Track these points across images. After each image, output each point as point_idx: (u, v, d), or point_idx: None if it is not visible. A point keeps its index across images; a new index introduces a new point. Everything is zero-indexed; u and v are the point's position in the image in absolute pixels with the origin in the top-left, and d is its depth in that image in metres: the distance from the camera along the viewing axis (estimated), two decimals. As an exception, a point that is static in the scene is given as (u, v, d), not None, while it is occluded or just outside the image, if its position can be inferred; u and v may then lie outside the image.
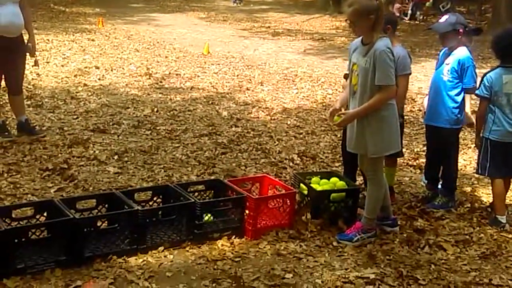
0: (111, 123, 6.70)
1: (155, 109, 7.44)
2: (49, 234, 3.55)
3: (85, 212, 3.91)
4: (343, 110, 4.05)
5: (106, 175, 5.11)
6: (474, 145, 5.36)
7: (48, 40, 12.07)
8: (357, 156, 4.26)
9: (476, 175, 5.31)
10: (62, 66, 9.82)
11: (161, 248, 3.75)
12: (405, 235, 4.20)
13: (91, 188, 4.79)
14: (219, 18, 19.46)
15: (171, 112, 7.38)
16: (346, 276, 3.57)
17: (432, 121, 4.79)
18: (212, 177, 5.02)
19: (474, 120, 4.80)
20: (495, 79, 4.41)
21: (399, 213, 4.58)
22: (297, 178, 4.61)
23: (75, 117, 6.90)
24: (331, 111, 4.07)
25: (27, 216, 3.80)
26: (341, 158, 5.71)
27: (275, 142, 6.39)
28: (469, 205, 4.86)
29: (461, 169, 5.43)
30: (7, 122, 6.19)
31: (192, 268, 3.58)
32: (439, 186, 4.93)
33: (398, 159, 4.97)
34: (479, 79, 4.58)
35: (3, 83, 5.87)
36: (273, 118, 7.49)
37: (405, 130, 7.04)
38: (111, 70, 9.75)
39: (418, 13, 21.19)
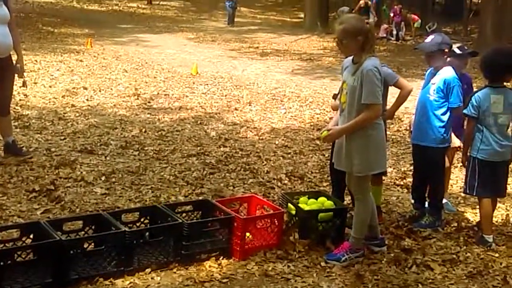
0: (98, 144, 6.69)
1: (143, 130, 7.44)
2: (35, 256, 3.50)
3: (72, 234, 3.87)
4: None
5: (93, 196, 5.08)
6: (460, 164, 5.40)
7: (36, 61, 12.07)
8: (345, 176, 4.29)
9: (463, 194, 5.35)
10: (50, 87, 9.81)
11: (148, 270, 3.72)
12: (392, 254, 4.20)
13: (78, 209, 4.76)
14: (207, 38, 19.58)
15: (159, 133, 7.38)
16: (334, 296, 3.57)
17: (419, 140, 4.83)
18: (200, 198, 5.01)
19: (459, 144, 4.86)
20: (483, 99, 4.46)
21: (386, 233, 4.59)
22: (285, 198, 4.61)
23: (62, 138, 6.88)
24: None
25: (13, 238, 3.77)
26: (329, 178, 5.72)
27: (263, 162, 6.40)
28: (456, 224, 4.88)
29: (448, 188, 5.45)
30: (-6, 143, 6.16)
31: (180, 290, 3.57)
32: (426, 206, 4.95)
33: (384, 178, 4.99)
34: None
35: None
36: (261, 138, 7.52)
37: (392, 149, 7.14)
38: (99, 91, 9.76)
39: (399, 33, 21.51)
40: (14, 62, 5.88)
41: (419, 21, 22.23)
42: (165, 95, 9.84)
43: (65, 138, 6.86)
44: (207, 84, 11.02)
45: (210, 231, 4.07)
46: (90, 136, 7.01)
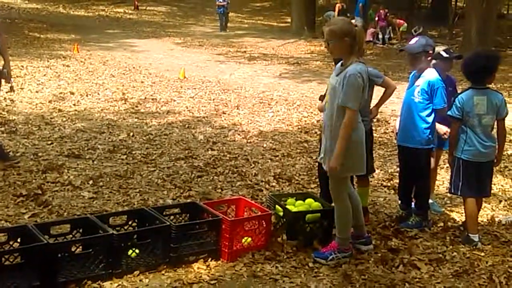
0: (86, 148, 6.67)
1: (131, 134, 7.43)
2: (22, 259, 3.50)
3: (60, 237, 3.87)
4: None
5: (81, 200, 5.07)
6: (447, 165, 5.46)
7: (22, 66, 12.02)
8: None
9: (449, 195, 5.41)
10: (37, 92, 9.78)
11: (136, 272, 3.72)
12: (379, 254, 4.24)
13: (65, 213, 4.76)
14: (195, 43, 19.59)
15: (147, 137, 7.38)
16: (322, 296, 3.59)
17: (404, 141, 4.87)
18: (188, 200, 5.02)
19: (446, 129, 4.87)
20: (466, 100, 4.52)
21: (373, 233, 4.63)
22: (272, 199, 4.63)
23: (49, 142, 6.86)
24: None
25: (0, 242, 3.75)
26: (316, 180, 5.76)
27: (251, 165, 6.42)
28: (442, 224, 4.93)
29: (434, 189, 5.51)
30: (-20, 149, 6.12)
31: (168, 292, 3.57)
32: (413, 206, 4.99)
33: (371, 179, 5.03)
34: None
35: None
36: (249, 141, 7.54)
37: (379, 151, 7.19)
38: (86, 96, 9.73)
39: (385, 37, 21.69)
40: (0, 67, 5.86)
41: (405, 24, 22.40)
42: (152, 99, 9.84)
43: (52, 143, 6.84)
44: (195, 88, 11.04)
45: (198, 233, 4.09)
46: (77, 141, 7.00)
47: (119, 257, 3.70)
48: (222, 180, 5.87)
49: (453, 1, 26.78)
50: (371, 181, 5.47)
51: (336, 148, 3.86)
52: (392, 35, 22.31)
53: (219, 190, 5.56)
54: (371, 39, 21.44)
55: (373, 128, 5.09)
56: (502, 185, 6.18)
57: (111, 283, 3.60)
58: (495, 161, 4.67)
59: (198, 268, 3.87)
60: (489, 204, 5.46)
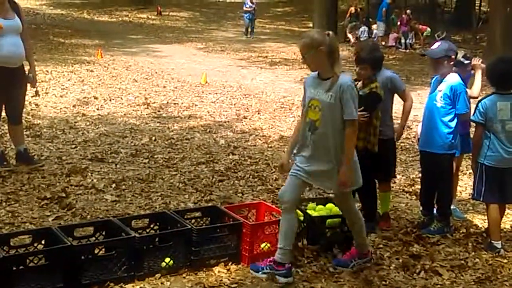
0: (109, 152, 6.76)
1: (153, 138, 7.50)
2: (47, 261, 3.56)
3: (83, 240, 3.93)
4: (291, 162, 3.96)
5: (104, 203, 5.14)
6: (469, 171, 5.41)
7: (47, 71, 12.20)
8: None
9: (472, 201, 5.36)
10: (61, 96, 9.92)
11: (158, 275, 3.76)
12: (401, 260, 4.22)
13: (88, 216, 4.82)
14: (217, 48, 19.68)
15: (169, 141, 7.44)
16: (342, 301, 3.59)
17: (427, 147, 4.85)
18: (209, 204, 5.05)
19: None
20: (489, 106, 4.49)
21: (395, 239, 4.61)
22: (293, 204, 4.63)
23: (73, 146, 6.96)
24: (280, 164, 4.02)
25: (25, 244, 3.82)
26: (337, 185, 5.76)
27: (272, 170, 6.43)
28: (464, 230, 4.89)
29: (456, 195, 5.47)
30: (6, 152, 6.24)
31: (189, 295, 3.60)
32: (435, 212, 4.96)
33: (393, 185, 5.01)
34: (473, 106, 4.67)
35: (3, 113, 5.94)
36: (270, 146, 7.56)
37: (401, 156, 7.14)
38: (110, 100, 9.85)
39: (408, 42, 21.54)
40: (26, 72, 5.97)
41: (428, 29, 22.22)
42: (174, 104, 9.92)
43: (76, 147, 6.94)
44: (216, 93, 11.09)
45: (219, 236, 4.11)
46: (100, 145, 7.09)
47: (141, 259, 3.75)
48: (243, 184, 5.90)
49: (477, 6, 26.51)
50: (392, 187, 5.45)
51: (345, 161, 3.74)
52: (414, 40, 22.16)
53: (240, 194, 5.58)
54: (394, 44, 21.33)
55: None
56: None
57: (133, 286, 3.65)
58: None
59: (218, 271, 3.90)
60: (513, 210, 5.40)
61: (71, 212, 4.89)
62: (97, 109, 9.14)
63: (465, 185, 6.07)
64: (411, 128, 8.56)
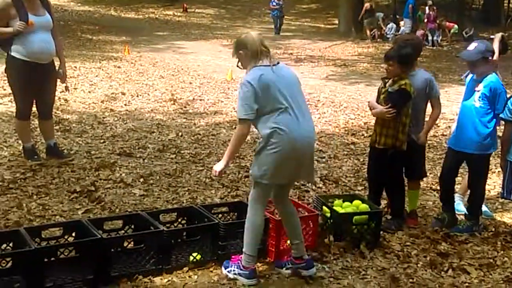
0: (137, 147, 6.83)
1: (180, 134, 7.56)
2: (77, 253, 3.62)
3: (112, 233, 3.99)
4: None
5: (132, 197, 5.20)
6: (498, 169, 5.35)
7: (75, 67, 12.36)
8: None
9: (500, 200, 5.30)
10: (89, 92, 10.05)
11: (185, 269, 3.81)
12: (428, 258, 4.20)
13: (117, 209, 4.89)
14: (242, 45, 19.69)
15: (195, 137, 7.49)
16: (369, 298, 3.59)
17: (462, 147, 4.74)
18: (236, 200, 5.08)
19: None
20: (519, 103, 4.43)
21: (422, 237, 4.58)
22: (319, 200, 4.65)
23: (102, 141, 7.05)
24: None
25: (56, 236, 3.90)
26: (363, 182, 5.75)
27: (298, 166, 6.42)
28: (493, 229, 4.84)
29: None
30: (36, 146, 6.34)
31: (216, 289, 3.63)
32: (465, 210, 4.91)
33: (421, 182, 4.97)
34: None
35: (34, 108, 6.05)
36: (296, 142, 7.53)
37: (428, 154, 7.07)
38: (137, 96, 9.95)
39: (434, 38, 21.29)
40: (56, 68, 6.07)
41: (456, 26, 21.96)
42: (200, 100, 9.98)
43: (104, 142, 7.03)
44: (242, 90, 11.09)
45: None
46: (128, 140, 7.17)
47: (169, 253, 3.79)
48: (269, 180, 5.90)
49: (505, 3, 26.09)
50: (420, 185, 5.41)
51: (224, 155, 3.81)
52: (441, 37, 21.90)
53: (266, 190, 5.59)
54: (421, 41, 21.15)
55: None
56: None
57: (161, 279, 3.69)
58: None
59: (245, 266, 3.91)
60: (543, 209, 5.33)
61: (100, 205, 4.96)
62: (125, 105, 9.24)
63: (493, 183, 6.00)
64: (438, 126, 8.48)
